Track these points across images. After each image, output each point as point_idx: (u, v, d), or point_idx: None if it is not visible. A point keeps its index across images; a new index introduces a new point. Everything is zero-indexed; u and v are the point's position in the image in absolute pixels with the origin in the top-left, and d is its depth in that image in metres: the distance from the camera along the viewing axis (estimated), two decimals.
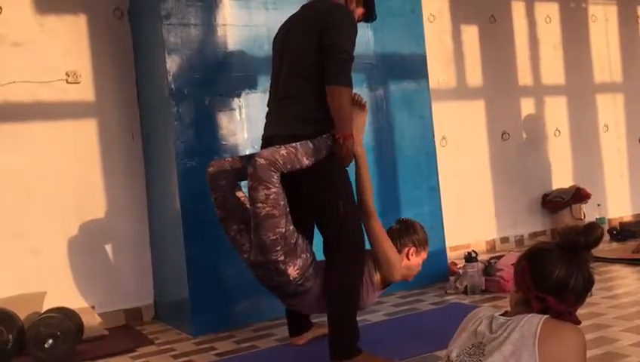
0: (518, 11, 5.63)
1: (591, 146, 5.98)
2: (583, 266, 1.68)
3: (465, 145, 5.24)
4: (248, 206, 2.61)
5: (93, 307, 3.74)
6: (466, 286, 3.78)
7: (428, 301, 3.71)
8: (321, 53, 2.56)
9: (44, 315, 3.30)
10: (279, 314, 3.31)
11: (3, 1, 3.63)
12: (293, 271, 2.58)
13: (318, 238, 2.74)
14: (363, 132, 2.87)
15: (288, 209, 2.54)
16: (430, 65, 4.28)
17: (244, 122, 3.59)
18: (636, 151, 6.28)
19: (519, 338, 1.59)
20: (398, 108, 4.08)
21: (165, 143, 3.56)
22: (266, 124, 2.85)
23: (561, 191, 5.56)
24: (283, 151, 2.49)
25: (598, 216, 5.38)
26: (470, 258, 3.81)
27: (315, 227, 2.77)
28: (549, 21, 5.79)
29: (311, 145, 2.56)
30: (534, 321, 1.61)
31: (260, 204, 2.46)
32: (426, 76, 4.21)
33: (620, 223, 5.53)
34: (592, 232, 1.69)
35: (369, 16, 2.95)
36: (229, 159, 2.85)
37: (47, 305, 3.51)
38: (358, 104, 2.81)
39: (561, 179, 5.71)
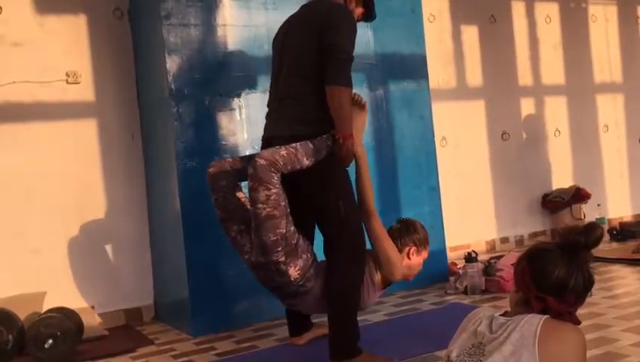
0: (518, 11, 5.63)
1: (591, 146, 5.99)
2: (583, 266, 1.68)
3: (465, 145, 5.24)
4: (249, 206, 2.61)
5: (93, 307, 3.74)
6: (466, 287, 3.78)
7: (428, 301, 3.71)
8: (321, 53, 2.56)
9: (44, 315, 3.30)
10: (279, 314, 3.31)
11: (3, 1, 3.63)
12: (294, 272, 2.58)
13: (318, 239, 2.74)
14: (363, 132, 2.87)
15: (289, 209, 2.54)
16: (430, 65, 4.28)
17: (244, 122, 3.59)
18: (636, 151, 6.28)
19: (519, 339, 1.59)
20: (398, 108, 4.08)
21: (165, 143, 3.56)
22: (266, 124, 2.85)
23: (561, 191, 5.56)
24: (283, 151, 2.49)
25: (598, 216, 5.38)
26: (470, 258, 3.81)
27: (316, 227, 2.78)
28: (549, 21, 5.79)
29: (311, 145, 2.56)
30: (534, 321, 1.61)
31: (260, 205, 2.46)
32: (426, 76, 4.21)
33: (620, 223, 5.53)
34: (592, 232, 1.69)
35: (368, 16, 2.95)
36: (230, 160, 2.84)
37: (47, 305, 3.51)
38: (358, 104, 2.81)
39: (561, 179, 5.71)
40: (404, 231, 2.88)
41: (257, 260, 2.59)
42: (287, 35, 2.79)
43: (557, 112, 5.77)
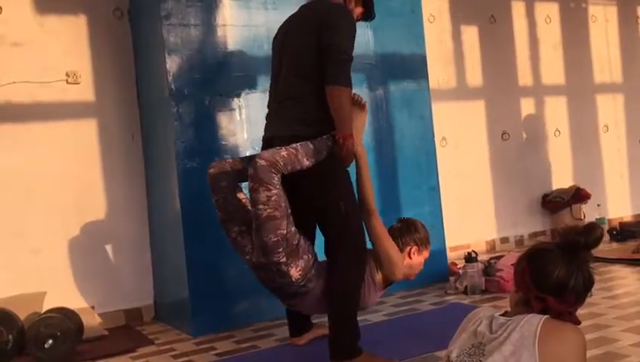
0: (518, 11, 5.63)
1: (591, 146, 5.99)
2: (583, 266, 1.68)
3: (465, 145, 5.24)
4: (249, 207, 2.61)
5: (93, 307, 3.74)
6: (466, 287, 3.78)
7: (428, 301, 3.71)
8: (320, 54, 2.56)
9: (44, 315, 3.30)
10: (279, 314, 3.31)
11: (3, 1, 3.63)
12: (295, 273, 2.58)
13: (320, 239, 2.74)
14: (363, 132, 2.87)
15: (289, 210, 2.54)
16: (430, 66, 4.28)
17: (244, 122, 3.59)
18: (636, 151, 6.29)
19: (519, 339, 1.59)
20: (398, 109, 4.08)
21: (165, 143, 3.56)
22: (266, 125, 2.85)
23: (561, 192, 5.56)
24: (283, 152, 2.49)
25: (598, 216, 5.38)
26: (470, 258, 3.81)
27: (317, 228, 2.78)
28: (549, 21, 5.79)
29: (311, 146, 2.55)
30: (534, 321, 1.61)
31: (261, 206, 2.46)
32: (426, 76, 4.21)
33: (620, 223, 5.53)
34: (592, 232, 1.69)
35: (368, 15, 2.95)
36: (230, 160, 2.84)
37: (47, 305, 3.51)
38: (358, 104, 2.81)
39: (561, 179, 5.71)
40: (405, 231, 2.88)
41: (258, 261, 2.58)
42: (287, 35, 2.79)
43: (557, 112, 5.78)
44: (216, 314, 3.45)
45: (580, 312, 1.72)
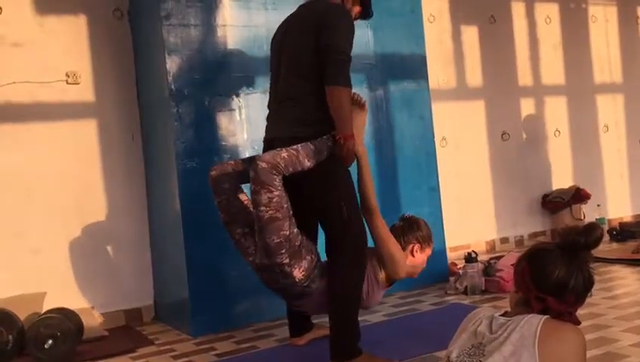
0: (518, 12, 5.63)
1: (591, 147, 5.99)
2: (583, 266, 1.68)
3: (465, 145, 5.24)
4: (252, 209, 2.61)
5: (93, 307, 3.74)
6: (466, 287, 3.78)
7: (428, 301, 3.71)
8: (319, 54, 2.56)
9: (44, 316, 3.30)
10: (279, 315, 3.32)
11: (3, 2, 3.63)
12: (298, 273, 2.58)
13: (322, 239, 2.74)
14: (363, 132, 2.87)
15: (291, 211, 2.54)
16: (430, 66, 4.28)
17: (243, 123, 3.59)
18: (636, 151, 6.28)
19: (519, 339, 1.59)
20: (398, 109, 4.08)
21: (165, 143, 3.56)
22: (267, 126, 2.85)
23: (561, 192, 5.56)
24: (284, 154, 2.49)
25: (597, 217, 5.38)
26: (470, 258, 3.81)
27: (320, 227, 2.78)
28: (549, 21, 5.79)
29: (312, 146, 2.56)
30: (534, 322, 1.61)
31: (263, 208, 2.46)
32: (425, 76, 4.21)
33: (620, 223, 5.53)
34: (592, 233, 1.69)
35: (366, 14, 2.95)
36: (232, 162, 2.85)
37: (47, 305, 3.51)
38: (358, 103, 2.81)
39: (561, 179, 5.71)
40: (408, 229, 2.89)
41: (262, 262, 2.59)
42: (285, 35, 2.79)
43: (557, 112, 5.78)
44: (216, 315, 3.45)
45: (580, 312, 1.72)
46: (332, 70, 2.53)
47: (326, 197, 2.62)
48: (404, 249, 2.84)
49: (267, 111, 2.89)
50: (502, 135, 5.45)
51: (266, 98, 2.93)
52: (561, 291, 1.65)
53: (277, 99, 2.77)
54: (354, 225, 2.62)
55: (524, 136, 5.60)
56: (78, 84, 3.79)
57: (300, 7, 2.86)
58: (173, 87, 3.42)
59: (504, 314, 1.71)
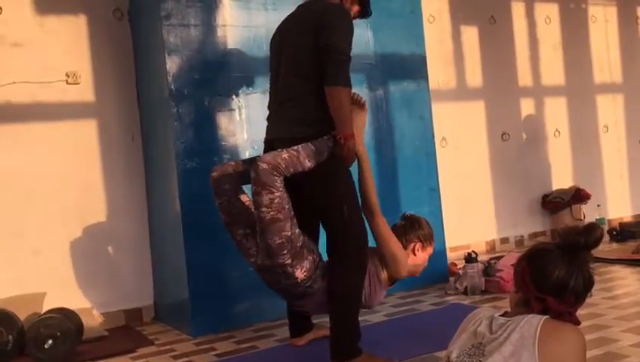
0: (518, 12, 5.63)
1: (591, 147, 5.99)
2: (583, 267, 1.68)
3: (465, 145, 5.24)
4: (253, 210, 2.61)
5: (93, 307, 3.74)
6: (466, 287, 3.78)
7: (428, 301, 3.71)
8: (319, 54, 2.56)
9: (43, 316, 3.30)
10: (280, 315, 3.32)
11: (3, 2, 3.63)
12: (300, 274, 2.58)
13: (323, 239, 2.74)
14: (364, 131, 2.87)
15: (293, 212, 2.54)
16: (430, 66, 4.28)
17: (243, 123, 3.59)
18: (636, 151, 6.29)
19: (519, 339, 1.59)
20: (397, 109, 4.08)
21: (165, 143, 3.56)
22: (267, 126, 2.85)
23: (561, 192, 5.56)
24: (285, 154, 2.49)
25: (597, 217, 5.38)
26: (470, 258, 3.81)
27: (321, 227, 2.78)
28: (549, 22, 5.79)
29: (312, 147, 2.56)
30: (534, 322, 1.61)
31: (264, 209, 2.46)
32: (425, 77, 4.21)
33: (620, 224, 5.53)
34: (592, 233, 1.69)
35: (364, 13, 2.94)
36: (232, 163, 2.85)
37: (47, 305, 3.51)
38: (358, 103, 2.81)
39: (561, 179, 5.71)
40: (409, 228, 2.90)
41: (263, 263, 2.59)
42: (285, 35, 2.79)
43: (557, 113, 5.78)
44: (216, 315, 3.45)
45: (580, 312, 1.72)
46: (332, 70, 2.53)
47: (327, 197, 2.62)
48: (405, 248, 2.84)
49: (267, 111, 2.89)
50: (502, 135, 5.45)
51: (266, 98, 2.93)
52: (561, 291, 1.65)
53: (277, 100, 2.77)
54: (355, 225, 2.62)
55: (524, 136, 5.60)
56: (78, 84, 3.79)
57: (299, 7, 2.86)
58: (173, 87, 3.42)
59: (504, 315, 1.71)
